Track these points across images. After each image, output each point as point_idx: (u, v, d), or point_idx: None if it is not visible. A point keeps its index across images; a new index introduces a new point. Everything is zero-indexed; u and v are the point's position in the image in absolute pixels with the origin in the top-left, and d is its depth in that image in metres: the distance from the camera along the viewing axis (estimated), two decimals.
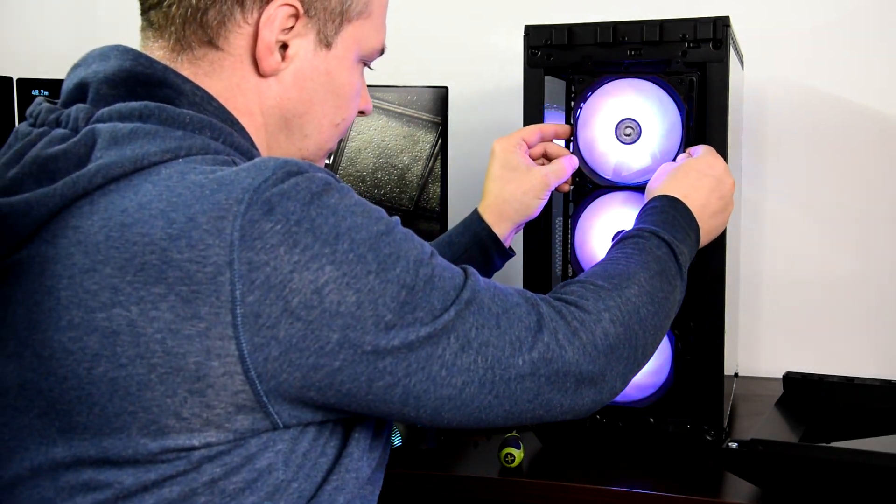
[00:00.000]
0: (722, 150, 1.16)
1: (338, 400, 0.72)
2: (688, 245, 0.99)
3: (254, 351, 0.67)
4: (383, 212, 0.75)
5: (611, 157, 1.21)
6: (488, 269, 1.16)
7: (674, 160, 1.16)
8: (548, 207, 1.24)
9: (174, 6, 0.78)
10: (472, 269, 0.80)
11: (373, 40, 0.87)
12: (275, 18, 0.79)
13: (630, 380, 0.89)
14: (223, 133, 0.76)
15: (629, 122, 1.20)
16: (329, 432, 0.77)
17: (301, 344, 0.68)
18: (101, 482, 0.69)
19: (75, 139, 0.72)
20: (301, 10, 0.80)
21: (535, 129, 1.18)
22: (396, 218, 0.76)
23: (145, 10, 0.81)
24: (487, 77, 1.73)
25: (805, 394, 1.32)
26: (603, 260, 0.95)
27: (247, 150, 0.77)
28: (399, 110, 1.61)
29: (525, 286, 1.26)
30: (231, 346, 0.67)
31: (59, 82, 1.60)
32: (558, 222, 1.29)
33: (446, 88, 1.62)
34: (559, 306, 0.84)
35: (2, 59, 1.93)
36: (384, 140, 1.62)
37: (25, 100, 1.60)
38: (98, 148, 0.72)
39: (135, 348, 0.67)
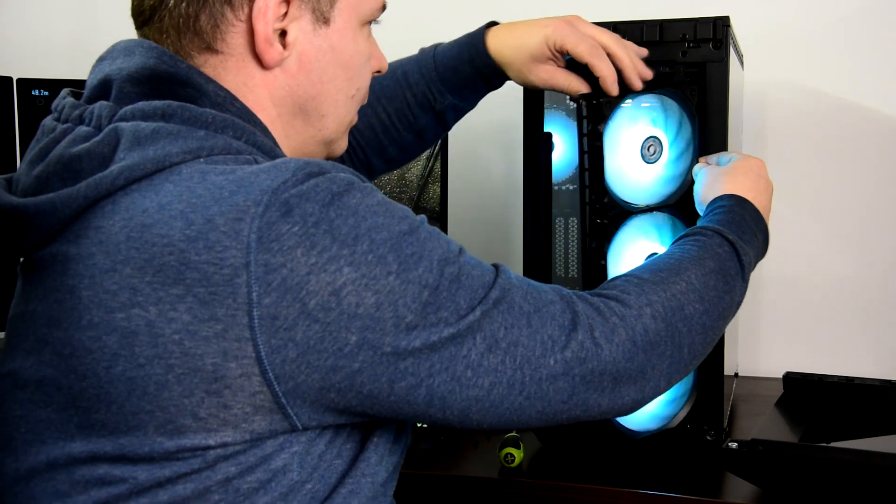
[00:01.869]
0: (722, 151, 1.16)
1: (359, 402, 0.72)
2: (754, 246, 0.96)
3: (271, 353, 0.67)
4: (408, 211, 0.73)
5: (640, 178, 1.20)
6: (492, 89, 1.15)
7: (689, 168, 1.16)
8: (548, 207, 1.24)
9: (165, 18, 0.78)
10: (503, 267, 0.79)
11: (371, 0, 0.86)
12: (266, 9, 0.77)
13: (676, 380, 0.86)
14: (246, 132, 0.75)
15: (652, 140, 1.20)
16: (346, 435, 0.76)
17: (319, 346, 0.68)
18: (116, 477, 0.69)
19: (98, 138, 0.72)
20: None
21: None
22: (422, 216, 0.75)
23: (139, 25, 0.81)
24: None
25: (805, 394, 1.32)
26: (659, 256, 0.92)
27: (270, 148, 0.77)
28: None
29: None
30: (248, 347, 0.67)
31: (59, 82, 1.60)
32: (559, 222, 1.29)
33: None
34: (597, 302, 0.81)
35: (2, 59, 1.93)
36: None
37: (25, 100, 1.59)
38: (121, 148, 0.72)
39: (153, 349, 0.67)
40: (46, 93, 1.61)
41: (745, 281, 0.94)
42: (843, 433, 1.19)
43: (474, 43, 1.11)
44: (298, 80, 0.81)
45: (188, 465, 0.69)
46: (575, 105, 1.34)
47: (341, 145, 0.91)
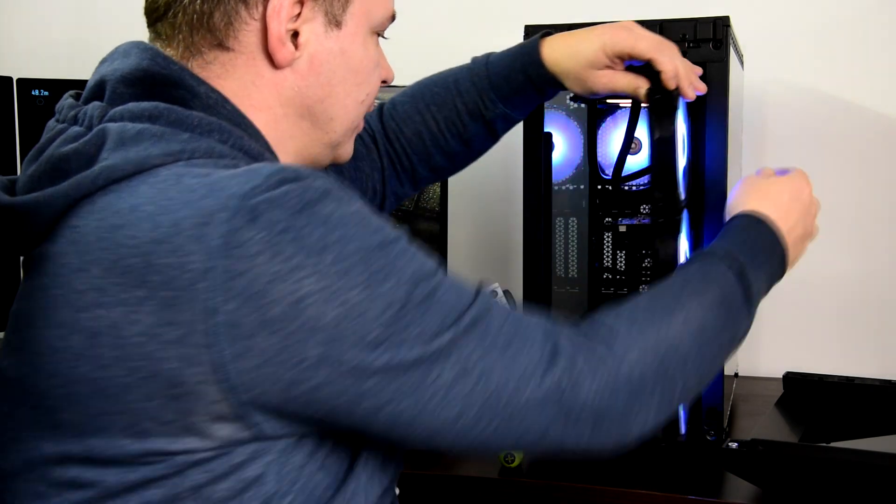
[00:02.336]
0: (722, 151, 1.17)
1: (324, 415, 0.70)
2: (766, 270, 0.91)
3: (230, 361, 0.65)
4: (386, 224, 0.71)
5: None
6: (544, 99, 1.13)
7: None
8: (548, 207, 1.24)
9: (179, 14, 0.78)
10: (486, 291, 0.76)
11: (381, 8, 0.86)
12: (280, 8, 0.78)
13: (665, 420, 0.82)
14: (233, 136, 0.75)
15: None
16: (329, 448, 0.74)
17: (278, 357, 0.66)
18: (87, 480, 0.69)
19: (86, 138, 0.73)
20: None
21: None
22: (400, 233, 0.72)
23: (152, 22, 0.81)
24: None
25: (805, 394, 1.32)
26: (662, 282, 0.88)
27: (258, 153, 0.76)
28: None
29: (525, 286, 1.26)
30: (208, 354, 0.65)
31: (59, 82, 1.60)
32: (559, 222, 1.29)
33: None
34: (583, 339, 0.78)
35: (2, 59, 1.93)
36: None
37: (25, 100, 1.59)
38: (106, 148, 0.72)
39: (116, 350, 0.66)
40: (46, 93, 1.61)
41: (752, 311, 0.89)
42: (843, 433, 1.19)
43: (528, 52, 1.10)
44: (308, 82, 0.81)
45: (155, 471, 0.68)
46: (577, 104, 1.35)
47: (347, 150, 0.91)
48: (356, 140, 1.12)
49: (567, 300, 1.44)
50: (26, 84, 1.60)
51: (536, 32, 1.21)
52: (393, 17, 0.89)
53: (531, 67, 1.09)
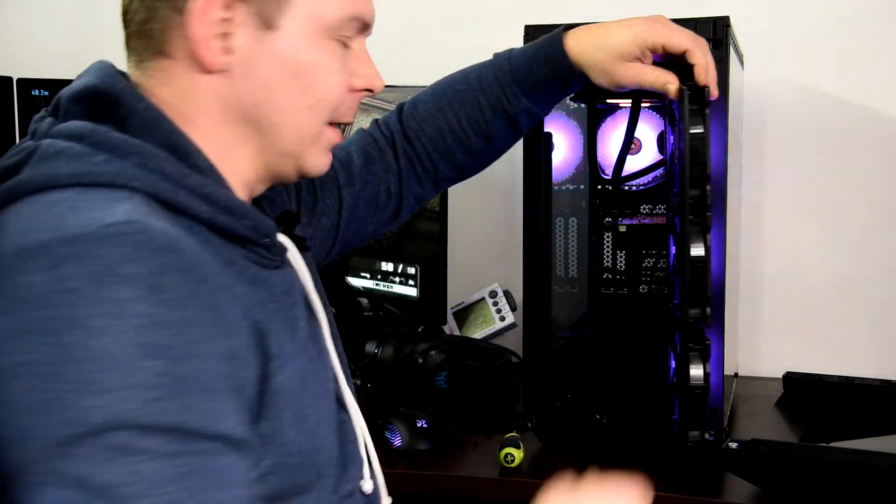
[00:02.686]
0: (722, 151, 1.17)
1: None
2: None
3: None
4: (125, 338, 0.63)
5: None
6: (567, 92, 1.12)
7: None
8: (548, 207, 1.24)
9: (130, 25, 0.80)
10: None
11: (335, 9, 0.82)
12: (204, 12, 0.76)
13: None
14: (153, 160, 0.74)
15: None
16: None
17: None
18: None
19: (21, 154, 0.74)
20: None
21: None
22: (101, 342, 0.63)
23: (126, 36, 0.83)
24: None
25: (805, 394, 1.32)
26: None
27: (179, 177, 0.74)
28: None
29: (525, 286, 1.26)
30: None
31: (59, 82, 1.60)
32: (559, 222, 1.29)
33: None
34: None
35: (2, 59, 1.93)
36: None
37: (25, 100, 1.60)
38: (28, 164, 0.73)
39: None
40: (46, 93, 1.61)
41: None
42: (843, 433, 1.19)
43: (551, 43, 1.09)
44: (245, 86, 0.80)
45: None
46: (577, 104, 1.35)
47: (316, 163, 0.86)
48: (366, 142, 1.12)
49: (567, 300, 1.44)
50: (26, 84, 1.61)
51: (536, 32, 1.21)
52: (361, 20, 0.84)
53: (555, 59, 1.09)
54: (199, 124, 0.79)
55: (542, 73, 1.09)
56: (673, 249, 1.13)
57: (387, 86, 1.64)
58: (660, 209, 1.37)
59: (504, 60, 1.11)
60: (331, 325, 0.89)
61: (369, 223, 1.10)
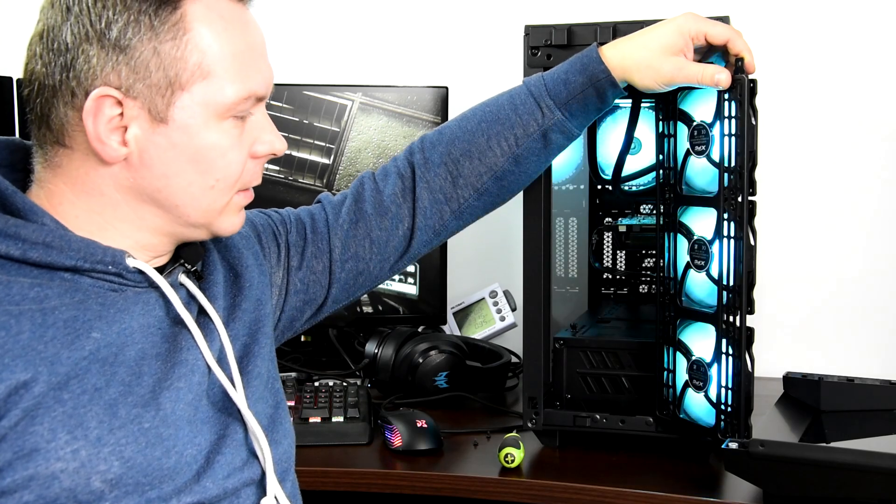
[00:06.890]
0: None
1: None
2: None
3: None
4: None
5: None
6: (602, 106, 1.11)
7: None
8: (548, 207, 1.24)
9: (29, 116, 0.85)
10: None
11: (227, 94, 0.82)
12: (96, 110, 0.79)
13: None
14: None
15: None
16: None
17: None
18: None
19: None
20: (121, 95, 0.79)
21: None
22: None
23: None
24: (487, 77, 1.73)
25: (805, 394, 1.32)
26: None
27: (13, 233, 0.79)
28: (399, 110, 1.61)
29: (525, 286, 1.26)
30: None
31: None
32: (559, 222, 1.29)
33: (446, 88, 1.62)
34: None
35: (2, 59, 1.93)
36: (384, 140, 1.62)
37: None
38: None
39: None
40: None
41: None
42: (843, 433, 1.19)
43: (586, 54, 1.10)
44: (142, 174, 0.82)
45: None
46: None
47: (225, 227, 0.89)
48: (361, 183, 1.11)
49: (567, 300, 1.44)
50: None
51: (536, 32, 1.22)
52: (255, 96, 0.85)
53: (591, 66, 1.09)
54: (86, 202, 0.83)
55: (579, 83, 1.09)
56: (673, 247, 1.13)
57: (387, 86, 1.65)
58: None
59: (537, 77, 1.11)
60: (234, 344, 0.90)
61: (369, 261, 1.09)
